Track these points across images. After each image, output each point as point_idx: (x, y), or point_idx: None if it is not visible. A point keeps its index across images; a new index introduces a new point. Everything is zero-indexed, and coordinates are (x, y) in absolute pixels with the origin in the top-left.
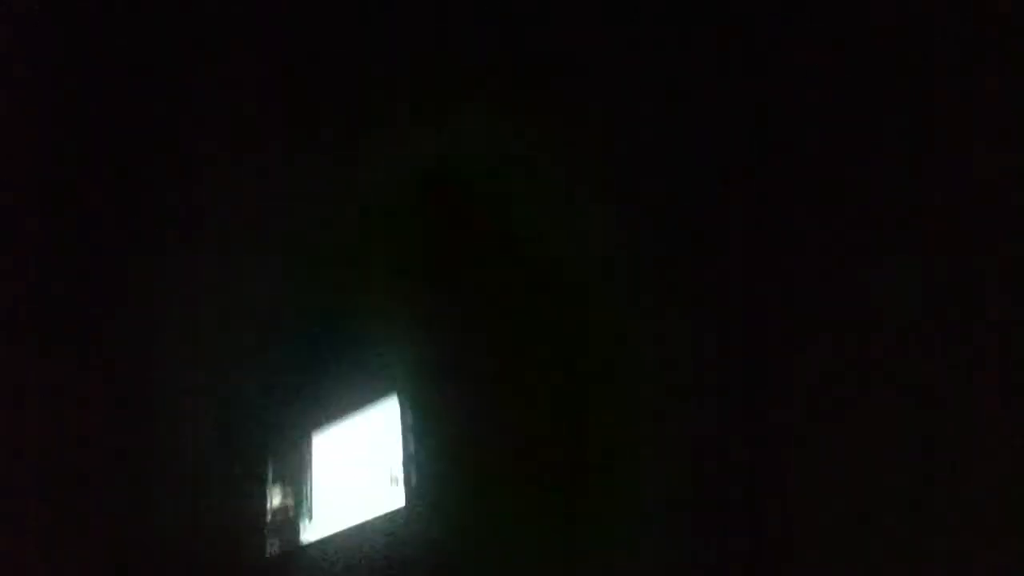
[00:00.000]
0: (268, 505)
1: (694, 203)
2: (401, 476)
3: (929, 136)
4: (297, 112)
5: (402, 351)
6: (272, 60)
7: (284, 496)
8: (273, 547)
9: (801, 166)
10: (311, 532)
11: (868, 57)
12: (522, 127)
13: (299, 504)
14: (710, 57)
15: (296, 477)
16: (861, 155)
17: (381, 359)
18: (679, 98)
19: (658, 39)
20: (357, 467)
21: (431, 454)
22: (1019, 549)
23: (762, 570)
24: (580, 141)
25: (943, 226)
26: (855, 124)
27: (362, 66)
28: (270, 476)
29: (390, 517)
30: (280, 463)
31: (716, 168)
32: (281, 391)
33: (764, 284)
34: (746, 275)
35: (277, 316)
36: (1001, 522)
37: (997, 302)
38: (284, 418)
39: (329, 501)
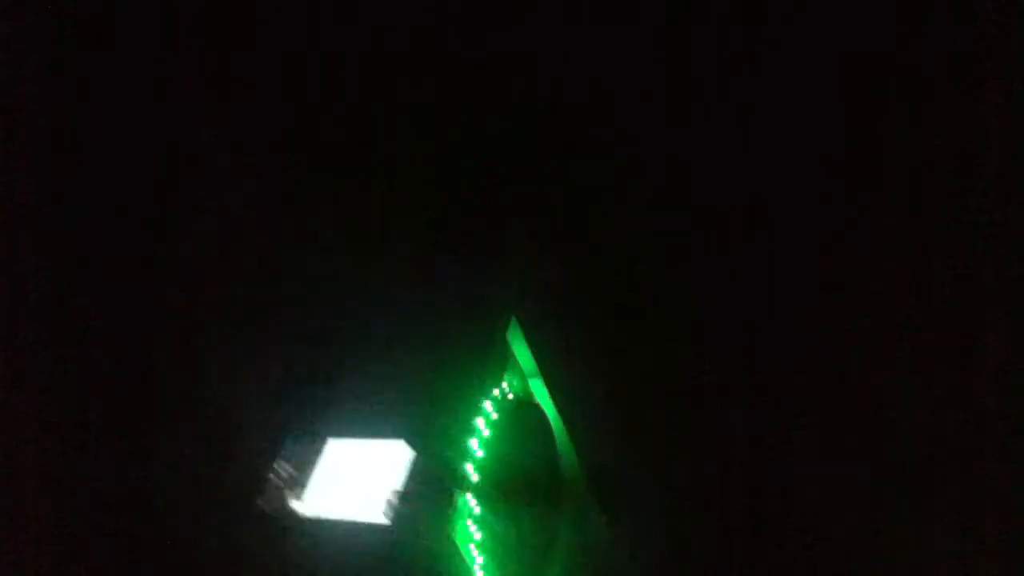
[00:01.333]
0: (274, 471)
1: (694, 203)
2: (395, 504)
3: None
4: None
5: (411, 400)
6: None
7: (287, 471)
8: (264, 506)
9: (801, 166)
10: (302, 508)
11: (868, 58)
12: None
13: (298, 481)
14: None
15: (303, 462)
16: (861, 155)
17: (392, 405)
18: (680, 98)
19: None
20: (354, 480)
21: (423, 496)
22: (1019, 549)
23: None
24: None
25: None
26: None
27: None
28: (281, 453)
29: (375, 528)
30: (293, 447)
31: (716, 168)
32: (299, 398)
33: (764, 284)
34: (746, 275)
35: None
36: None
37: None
38: (301, 419)
39: (323, 492)
